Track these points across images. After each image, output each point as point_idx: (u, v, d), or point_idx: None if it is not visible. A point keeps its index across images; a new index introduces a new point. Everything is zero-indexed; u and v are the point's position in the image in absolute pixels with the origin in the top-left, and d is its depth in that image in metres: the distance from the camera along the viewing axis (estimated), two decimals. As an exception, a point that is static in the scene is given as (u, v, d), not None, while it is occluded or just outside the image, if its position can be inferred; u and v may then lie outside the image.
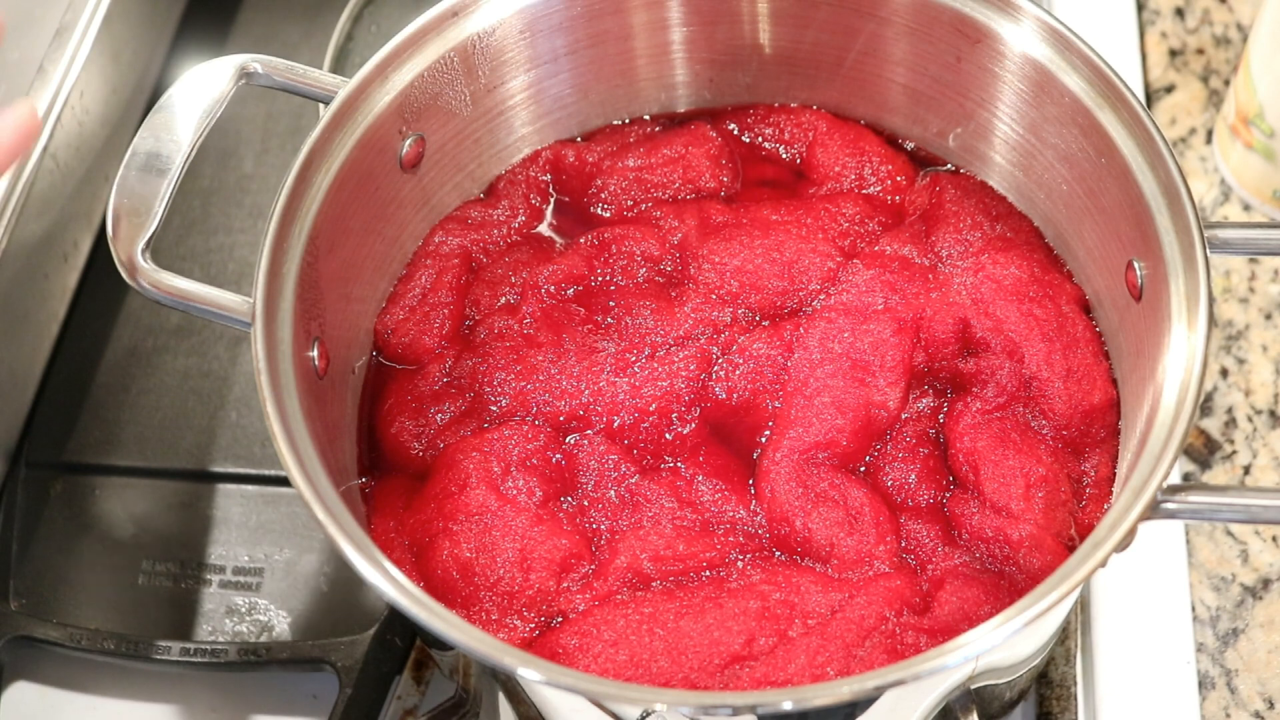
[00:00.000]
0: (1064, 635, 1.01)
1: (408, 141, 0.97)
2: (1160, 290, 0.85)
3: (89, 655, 1.03)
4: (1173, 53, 1.29)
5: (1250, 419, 1.11)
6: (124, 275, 0.85)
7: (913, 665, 0.73)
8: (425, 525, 0.91)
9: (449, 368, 0.97)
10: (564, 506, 0.91)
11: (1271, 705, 1.01)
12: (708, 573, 0.88)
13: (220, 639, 1.03)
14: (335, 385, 0.93)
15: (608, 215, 1.04)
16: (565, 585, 0.88)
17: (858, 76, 1.04)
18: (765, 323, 0.97)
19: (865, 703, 0.77)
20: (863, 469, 0.93)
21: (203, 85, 0.90)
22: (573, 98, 1.05)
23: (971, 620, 0.85)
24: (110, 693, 1.06)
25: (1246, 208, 1.20)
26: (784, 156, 1.06)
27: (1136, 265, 0.89)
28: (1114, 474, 0.91)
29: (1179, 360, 0.82)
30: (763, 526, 0.90)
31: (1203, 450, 1.10)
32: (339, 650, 1.00)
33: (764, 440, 0.93)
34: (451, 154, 1.01)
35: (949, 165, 1.04)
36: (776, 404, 0.94)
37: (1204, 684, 1.01)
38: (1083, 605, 1.03)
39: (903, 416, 0.94)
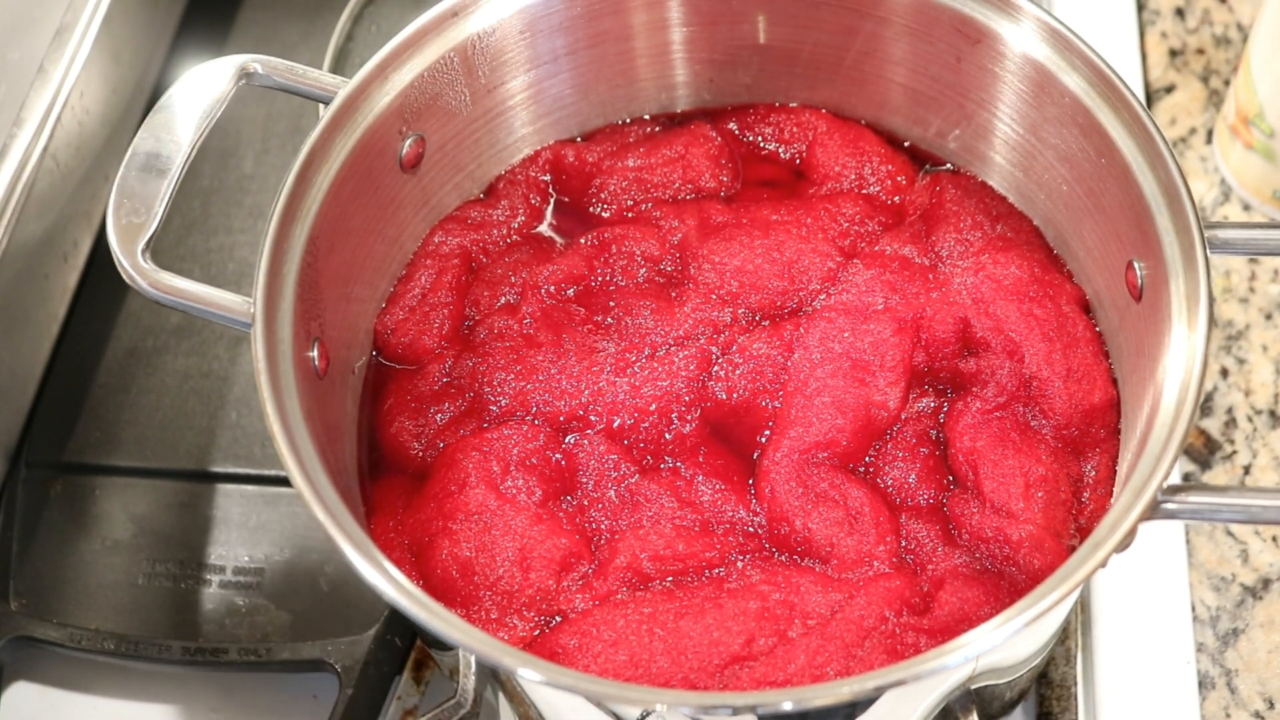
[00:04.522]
0: (1064, 635, 1.01)
1: (408, 141, 0.97)
2: (1160, 290, 0.85)
3: (89, 655, 1.03)
4: (1173, 53, 1.29)
5: (1250, 419, 1.11)
6: (124, 275, 0.85)
7: (913, 665, 0.73)
8: (425, 525, 0.91)
9: (449, 368, 0.97)
10: (564, 506, 0.91)
11: (1271, 705, 1.01)
12: (707, 573, 0.88)
13: (220, 639, 1.03)
14: (335, 385, 0.93)
15: (608, 215, 1.04)
16: (565, 585, 0.88)
17: (858, 76, 1.04)
18: (765, 323, 0.97)
19: (865, 703, 0.77)
20: (863, 469, 0.93)
21: (203, 85, 0.90)
22: (573, 98, 1.05)
23: (971, 620, 0.85)
24: (110, 693, 1.06)
25: (1246, 208, 1.20)
26: (784, 156, 1.06)
27: (1136, 265, 0.89)
28: (1114, 474, 0.91)
29: (1179, 360, 0.82)
30: (763, 526, 0.90)
31: (1203, 450, 1.10)
32: (339, 650, 1.00)
33: (764, 440, 0.93)
34: (451, 154, 1.01)
35: (949, 165, 1.04)
36: (776, 404, 0.94)
37: (1204, 684, 1.01)
38: (1083, 605, 1.03)
39: (903, 416, 0.94)
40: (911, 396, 0.94)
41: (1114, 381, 0.93)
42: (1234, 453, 1.10)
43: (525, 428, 0.93)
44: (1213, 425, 1.11)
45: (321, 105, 0.93)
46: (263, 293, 0.85)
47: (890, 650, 0.84)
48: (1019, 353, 0.93)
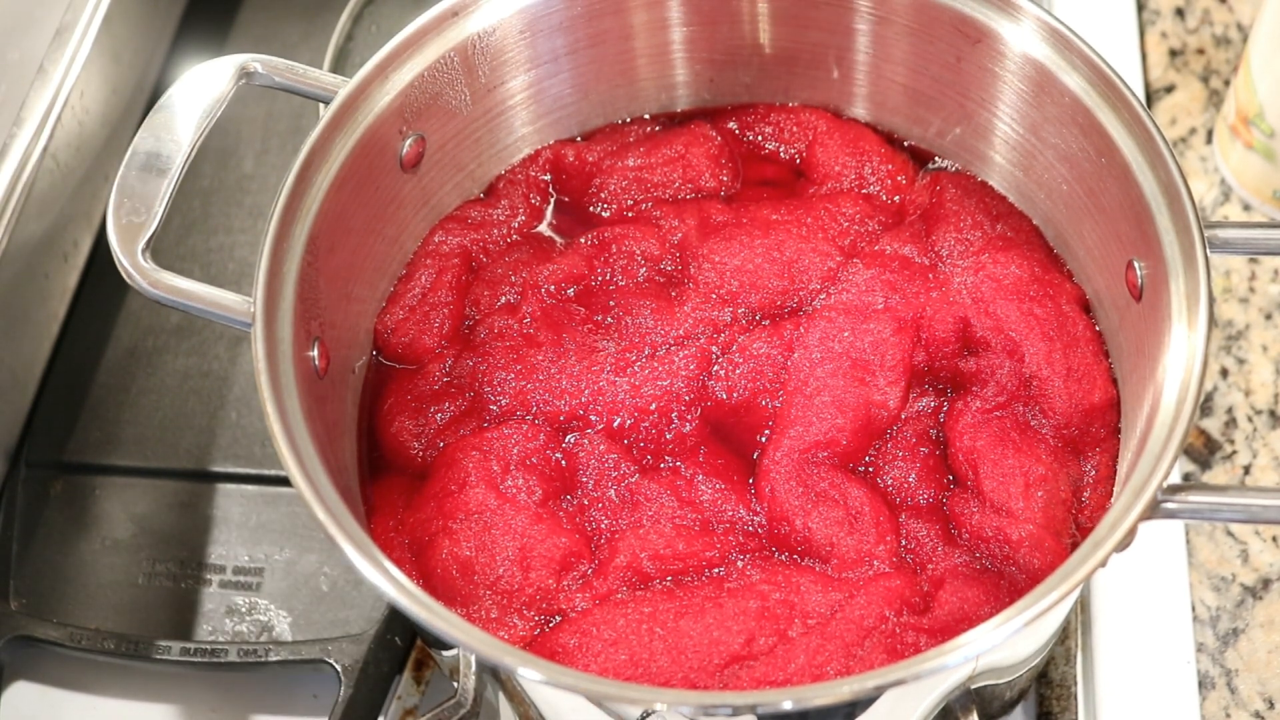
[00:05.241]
0: (1064, 635, 1.01)
1: (408, 141, 0.97)
2: (1160, 290, 0.85)
3: (89, 655, 1.03)
4: (1173, 53, 1.29)
5: (1250, 419, 1.11)
6: (124, 275, 0.85)
7: (913, 665, 0.73)
8: (425, 524, 0.91)
9: (449, 367, 0.97)
10: (564, 505, 0.91)
11: (1271, 705, 1.01)
12: (708, 572, 0.88)
13: (220, 639, 1.03)
14: (335, 385, 0.93)
15: (608, 215, 1.04)
16: (565, 584, 0.88)
17: (858, 76, 1.04)
18: (765, 322, 0.97)
19: (865, 703, 0.77)
20: (863, 469, 0.93)
21: (203, 85, 0.90)
22: (573, 98, 1.05)
23: (971, 620, 0.85)
24: (110, 693, 1.06)
25: (1246, 208, 1.20)
26: (784, 156, 1.06)
27: (1136, 265, 0.89)
28: (1114, 473, 0.91)
29: (1179, 360, 0.82)
30: (763, 526, 0.90)
31: (1203, 450, 1.10)
32: (339, 650, 1.01)
33: (764, 440, 0.93)
34: (451, 154, 1.01)
35: (949, 165, 1.04)
36: (776, 403, 0.94)
37: (1204, 684, 1.01)
38: (1083, 605, 1.03)
39: (903, 416, 0.94)
40: (911, 396, 0.94)
41: (1114, 381, 0.93)
42: (1234, 453, 1.10)
43: (525, 427, 0.93)
44: (1213, 425, 1.11)
45: (321, 105, 0.93)
46: (263, 293, 0.85)
47: (890, 650, 0.84)
48: (1019, 352, 0.93)
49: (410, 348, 0.98)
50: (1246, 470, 1.09)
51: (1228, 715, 1.00)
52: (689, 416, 0.94)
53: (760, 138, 1.07)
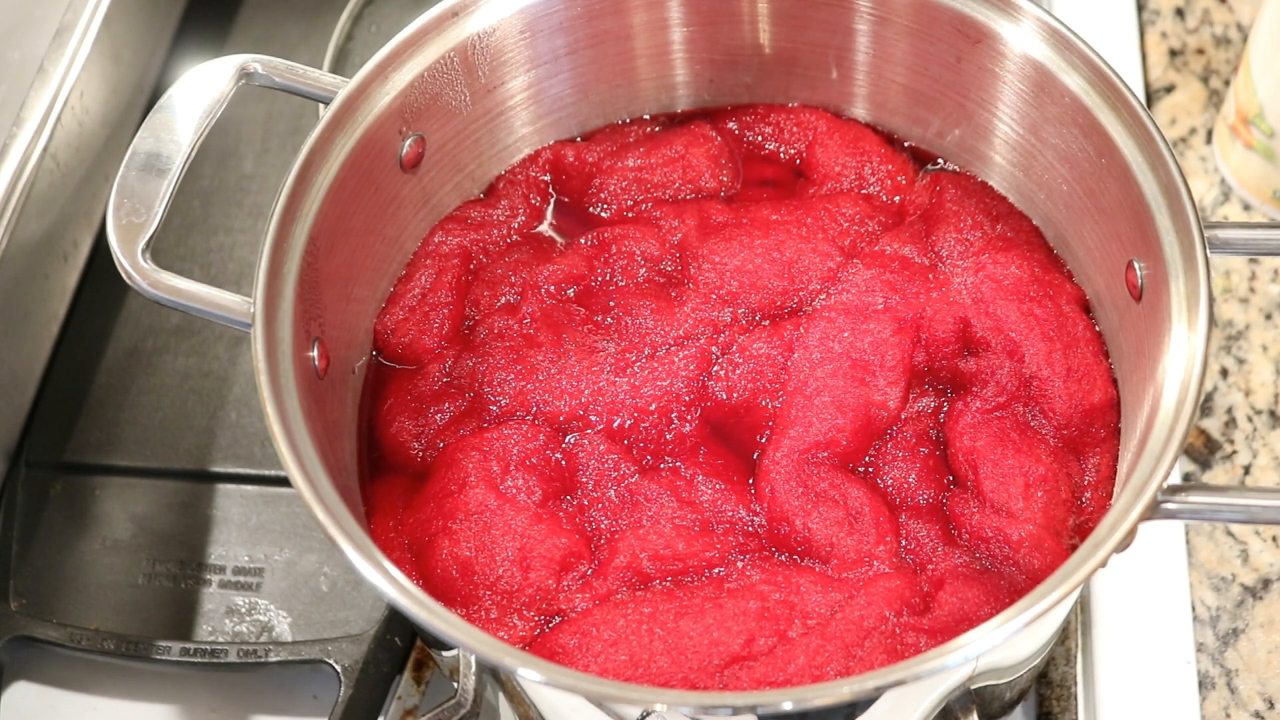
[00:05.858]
0: (1064, 635, 1.01)
1: (408, 141, 0.97)
2: (1160, 290, 0.85)
3: (89, 655, 1.03)
4: (1173, 53, 1.29)
5: (1250, 419, 1.11)
6: (124, 276, 0.85)
7: (913, 665, 0.73)
8: (425, 525, 0.91)
9: (449, 367, 0.97)
10: (564, 506, 0.91)
11: (1271, 705, 1.01)
12: (707, 572, 0.89)
13: (220, 639, 1.03)
14: (335, 385, 0.93)
15: (607, 215, 1.04)
16: (565, 584, 0.88)
17: (858, 76, 1.04)
18: (765, 322, 0.97)
19: (865, 703, 0.77)
20: (863, 469, 0.93)
21: (203, 85, 0.90)
22: (573, 98, 1.05)
23: (971, 620, 0.85)
24: (110, 693, 1.06)
25: (1246, 208, 1.20)
26: (784, 156, 1.06)
27: (1136, 265, 0.89)
28: (1114, 474, 0.91)
29: (1179, 360, 0.82)
30: (763, 526, 0.90)
31: (1203, 450, 1.10)
32: (339, 650, 1.01)
33: (764, 440, 0.93)
34: (451, 154, 1.01)
35: (949, 165, 1.04)
36: (776, 404, 0.94)
37: (1204, 684, 1.01)
38: (1083, 605, 1.03)
39: (903, 416, 0.94)
40: (911, 396, 0.94)
41: (1114, 381, 0.93)
42: (1234, 453, 1.10)
43: (525, 427, 0.93)
44: (1213, 425, 1.11)
45: (321, 105, 0.93)
46: (263, 293, 0.85)
47: (890, 650, 0.84)
48: (1019, 352, 0.93)
49: (410, 348, 0.98)
50: (1246, 470, 1.09)
51: (1228, 715, 1.00)
52: (689, 417, 0.94)
53: (760, 138, 1.07)
